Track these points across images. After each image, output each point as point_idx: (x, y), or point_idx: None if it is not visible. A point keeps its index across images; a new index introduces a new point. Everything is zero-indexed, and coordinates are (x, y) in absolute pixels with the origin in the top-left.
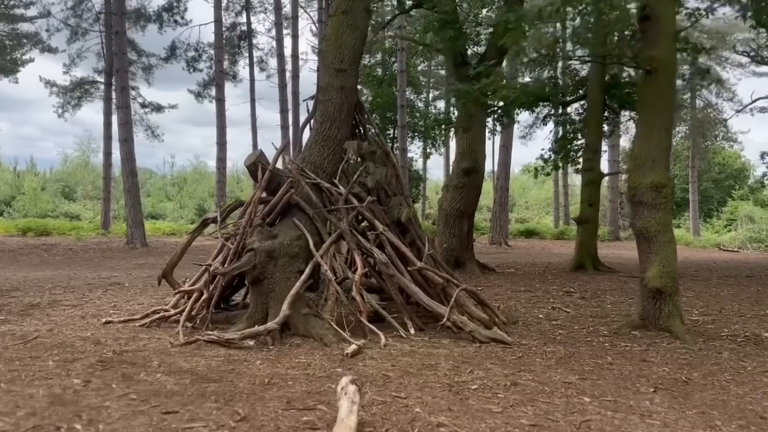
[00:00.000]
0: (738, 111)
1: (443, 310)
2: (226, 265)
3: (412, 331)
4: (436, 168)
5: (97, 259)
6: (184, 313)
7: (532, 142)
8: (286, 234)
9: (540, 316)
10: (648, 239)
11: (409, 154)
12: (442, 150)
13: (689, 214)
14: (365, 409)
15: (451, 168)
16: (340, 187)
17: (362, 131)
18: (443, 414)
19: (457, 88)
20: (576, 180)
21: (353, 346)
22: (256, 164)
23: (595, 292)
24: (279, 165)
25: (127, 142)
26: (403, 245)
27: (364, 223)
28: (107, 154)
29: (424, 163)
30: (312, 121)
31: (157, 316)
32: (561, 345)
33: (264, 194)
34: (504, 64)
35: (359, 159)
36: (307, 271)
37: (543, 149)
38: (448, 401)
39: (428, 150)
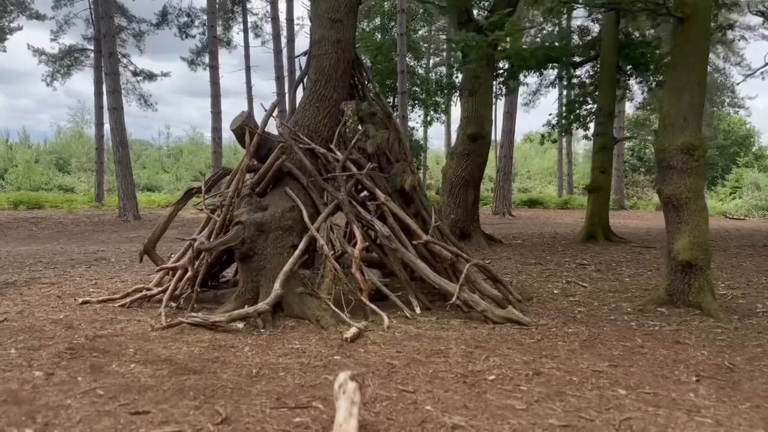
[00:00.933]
0: (747, 76)
1: (452, 288)
2: (211, 240)
3: (418, 310)
4: (437, 138)
5: (87, 233)
6: (167, 293)
7: (535, 110)
8: (278, 205)
9: (555, 291)
10: (677, 207)
11: (410, 123)
12: (444, 118)
13: None
14: (368, 406)
15: (453, 136)
16: (337, 152)
17: (361, 90)
18: (458, 412)
19: (465, 38)
20: (579, 148)
21: (353, 330)
22: (243, 128)
23: (610, 264)
24: (274, 129)
25: (116, 110)
26: (408, 216)
27: (364, 193)
28: (99, 124)
29: (425, 132)
30: (305, 79)
31: (139, 295)
32: (583, 325)
33: (253, 161)
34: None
35: (358, 121)
36: (302, 245)
37: (551, 114)
38: (462, 396)
39: (429, 118)
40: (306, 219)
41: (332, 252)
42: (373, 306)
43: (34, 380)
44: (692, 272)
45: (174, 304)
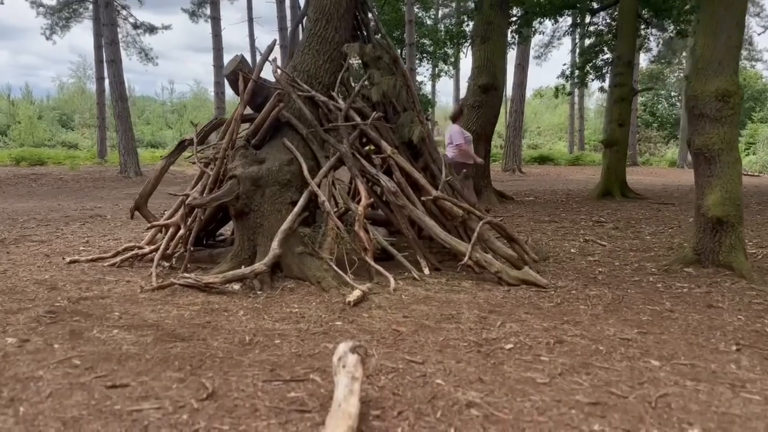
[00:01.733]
0: (767, 28)
1: (464, 247)
2: (204, 195)
3: (427, 271)
4: (444, 95)
5: (87, 189)
6: (159, 252)
7: (546, 63)
8: (275, 158)
9: (572, 250)
10: (709, 159)
11: (418, 77)
12: (453, 71)
13: None
14: (372, 379)
15: (463, 91)
16: (339, 100)
17: (365, 32)
18: (473, 387)
19: None
20: (590, 104)
21: (356, 292)
22: (237, 73)
23: (628, 221)
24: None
25: (114, 63)
26: (416, 170)
27: (370, 146)
28: (99, 78)
29: (433, 86)
30: (305, 20)
31: (130, 254)
32: (605, 287)
33: (249, 110)
34: None
35: (362, 66)
36: (301, 201)
37: (564, 65)
38: (477, 367)
39: (438, 70)
40: (306, 173)
41: (334, 209)
42: (378, 267)
43: (6, 348)
44: (723, 230)
45: (167, 264)
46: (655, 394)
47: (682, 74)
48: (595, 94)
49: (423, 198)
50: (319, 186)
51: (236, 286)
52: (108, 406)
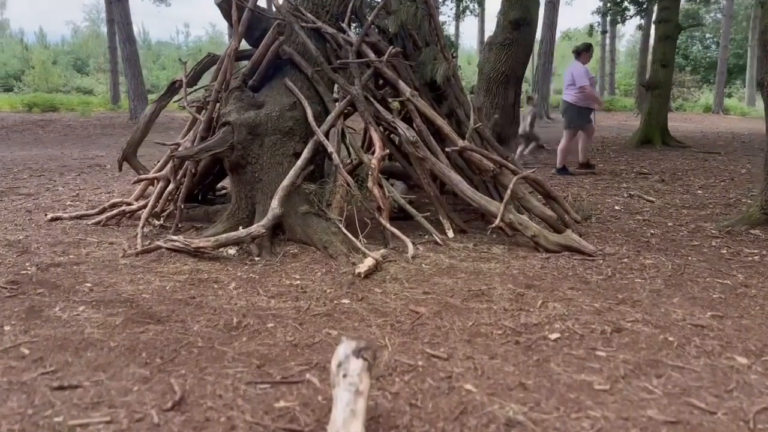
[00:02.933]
0: None
1: (495, 207)
2: (193, 145)
3: (451, 234)
4: (468, 38)
5: (94, 137)
6: (146, 209)
7: (577, 2)
8: (276, 102)
9: (616, 208)
10: None
11: (440, 17)
12: (478, 10)
13: (745, 80)
14: (383, 382)
15: (488, 32)
16: (350, 32)
17: None
18: (513, 396)
19: None
20: (621, 46)
21: (368, 261)
22: (230, 0)
23: (674, 173)
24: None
25: (120, 2)
26: (439, 117)
27: (386, 88)
28: (110, 20)
29: (457, 27)
30: None
31: (116, 210)
32: (661, 254)
33: (247, 45)
34: None
35: None
36: (305, 153)
37: None
38: (516, 366)
39: (462, 8)
40: (311, 119)
41: (344, 162)
42: (394, 230)
43: None
44: None
45: (157, 223)
46: (751, 408)
47: (719, 15)
48: (626, 36)
49: (447, 149)
50: (326, 135)
51: (231, 251)
52: (47, 417)
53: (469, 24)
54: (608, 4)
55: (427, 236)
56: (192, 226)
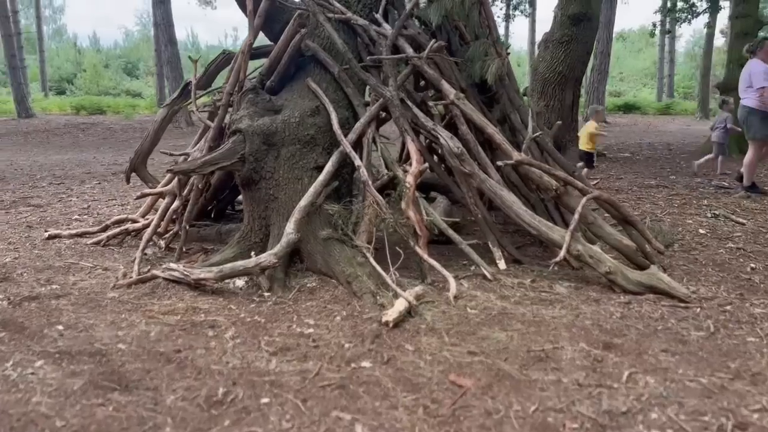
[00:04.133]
0: None
1: (559, 236)
2: (197, 157)
3: (502, 265)
4: (518, 39)
5: (133, 140)
6: (149, 229)
7: (631, 2)
8: (296, 106)
9: (701, 231)
10: None
11: None
12: (529, 10)
13: None
14: None
15: (539, 33)
16: (385, 24)
17: None
18: None
19: None
20: (679, 47)
21: (399, 304)
22: None
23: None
24: None
25: (162, 3)
26: (490, 123)
27: (428, 89)
28: (155, 23)
29: (507, 28)
30: None
31: (119, 229)
32: None
33: (267, 41)
34: None
35: None
36: (329, 166)
37: None
38: None
39: (512, 7)
40: (336, 127)
41: (375, 177)
42: (432, 262)
43: None
44: None
45: (163, 244)
46: None
47: None
48: (684, 36)
49: (500, 162)
50: (354, 145)
51: (240, 282)
52: None
53: (519, 24)
54: (673, 2)
55: (473, 267)
56: (202, 248)
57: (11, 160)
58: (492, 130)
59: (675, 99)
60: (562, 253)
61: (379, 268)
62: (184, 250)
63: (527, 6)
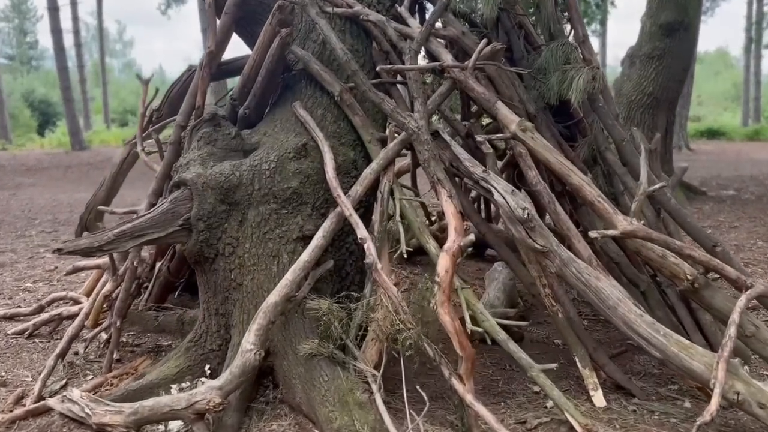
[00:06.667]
0: None
1: (703, 364)
2: (121, 225)
3: (599, 399)
4: None
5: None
6: (77, 319)
7: (711, 19)
8: (274, 144)
9: None
10: None
11: None
12: (599, 29)
13: None
14: None
15: (609, 55)
16: (412, 21)
17: None
18: None
19: None
20: (764, 67)
21: None
22: None
23: None
24: None
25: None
26: (576, 168)
27: (477, 120)
28: None
29: None
30: None
31: (48, 315)
32: None
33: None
34: None
35: None
36: (320, 237)
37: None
38: None
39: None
40: (330, 175)
41: (391, 250)
42: (480, 409)
43: None
44: None
45: (105, 337)
46: None
47: None
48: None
49: (594, 233)
50: (360, 204)
51: (173, 426)
52: None
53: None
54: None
55: (549, 404)
56: (156, 346)
57: (31, 198)
58: (579, 179)
59: (762, 123)
60: (714, 404)
61: (387, 419)
62: (114, 357)
63: (597, 25)
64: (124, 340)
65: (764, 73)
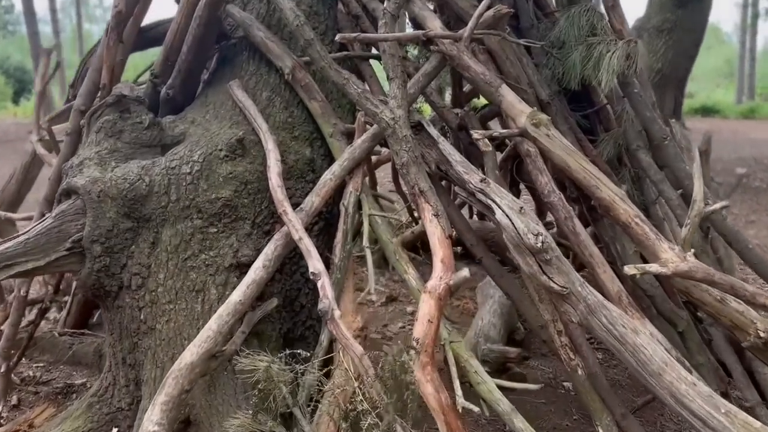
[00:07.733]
0: None
1: None
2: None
3: None
4: None
5: None
6: None
7: None
8: (203, 136)
9: None
10: None
11: None
12: None
13: None
14: None
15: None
16: None
17: None
18: None
19: None
20: (758, 44)
21: None
22: None
23: None
24: None
25: None
26: (603, 176)
27: (471, 109)
28: None
29: None
30: None
31: None
32: None
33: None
34: None
35: None
36: (259, 267)
37: None
38: None
39: None
40: (274, 181)
41: (358, 294)
42: None
43: None
44: None
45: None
46: None
47: None
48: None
49: (630, 270)
50: (322, 217)
51: None
52: None
53: None
54: None
55: None
56: (65, 386)
57: None
58: (610, 193)
59: (757, 101)
60: None
61: None
62: (34, 384)
63: None
64: (31, 374)
65: (759, 49)
